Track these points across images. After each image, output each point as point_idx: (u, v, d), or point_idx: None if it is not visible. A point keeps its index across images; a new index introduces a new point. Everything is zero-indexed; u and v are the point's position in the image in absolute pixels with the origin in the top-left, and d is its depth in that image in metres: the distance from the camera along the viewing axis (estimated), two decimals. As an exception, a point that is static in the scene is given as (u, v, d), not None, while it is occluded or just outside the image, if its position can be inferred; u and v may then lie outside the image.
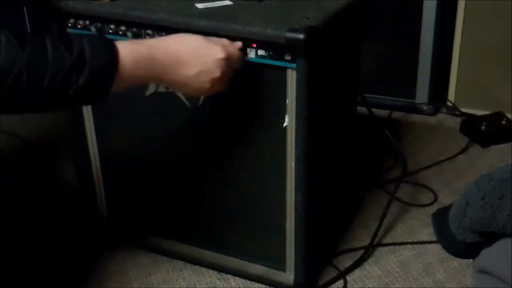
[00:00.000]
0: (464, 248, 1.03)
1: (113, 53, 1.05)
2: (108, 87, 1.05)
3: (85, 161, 1.53)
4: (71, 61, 1.00)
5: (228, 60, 1.16)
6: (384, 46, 2.15)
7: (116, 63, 1.05)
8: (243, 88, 1.30)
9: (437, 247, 1.53)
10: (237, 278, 1.49)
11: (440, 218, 1.06)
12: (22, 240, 1.60)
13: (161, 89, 1.35)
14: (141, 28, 1.31)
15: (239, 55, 1.21)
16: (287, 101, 1.25)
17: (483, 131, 2.00)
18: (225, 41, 1.19)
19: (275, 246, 1.42)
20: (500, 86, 2.06)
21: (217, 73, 1.15)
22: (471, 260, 1.05)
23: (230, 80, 1.20)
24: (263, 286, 1.47)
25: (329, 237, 1.57)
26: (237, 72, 1.21)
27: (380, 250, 1.58)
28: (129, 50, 1.07)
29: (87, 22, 1.34)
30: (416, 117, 2.17)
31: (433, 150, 1.99)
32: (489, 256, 1.00)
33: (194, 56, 1.13)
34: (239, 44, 1.21)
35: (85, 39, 1.03)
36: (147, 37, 1.31)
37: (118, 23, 1.32)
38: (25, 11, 2.01)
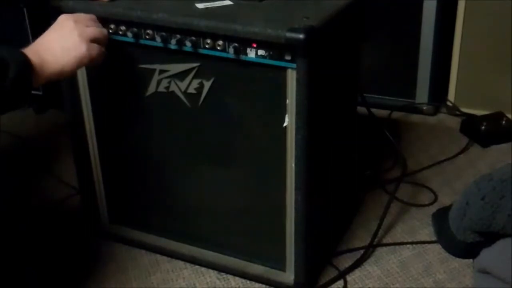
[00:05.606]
0: (464, 248, 1.03)
1: (22, 52, 1.17)
2: (30, 82, 1.16)
3: (85, 161, 1.54)
4: None
5: (76, 17, 1.27)
6: (384, 46, 2.15)
7: (28, 58, 1.16)
8: (243, 88, 1.30)
9: (437, 247, 1.53)
10: (237, 278, 1.49)
11: (440, 218, 1.06)
12: (22, 241, 1.60)
13: (161, 89, 1.36)
14: (141, 28, 1.31)
15: (85, 16, 1.30)
16: (287, 101, 1.25)
17: (483, 131, 2.00)
18: None
19: (275, 246, 1.42)
20: (500, 86, 2.06)
21: (75, 29, 1.25)
22: (471, 260, 1.05)
23: (105, 39, 1.31)
24: (263, 286, 1.47)
25: (329, 237, 1.57)
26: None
27: (380, 250, 1.58)
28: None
29: (87, 22, 1.34)
30: (416, 117, 2.17)
31: (433, 150, 1.99)
32: (489, 256, 1.00)
33: (50, 30, 1.26)
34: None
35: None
36: (147, 37, 1.31)
37: (118, 23, 1.32)
38: (25, 11, 2.01)
